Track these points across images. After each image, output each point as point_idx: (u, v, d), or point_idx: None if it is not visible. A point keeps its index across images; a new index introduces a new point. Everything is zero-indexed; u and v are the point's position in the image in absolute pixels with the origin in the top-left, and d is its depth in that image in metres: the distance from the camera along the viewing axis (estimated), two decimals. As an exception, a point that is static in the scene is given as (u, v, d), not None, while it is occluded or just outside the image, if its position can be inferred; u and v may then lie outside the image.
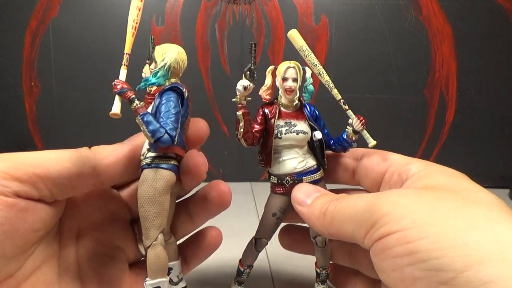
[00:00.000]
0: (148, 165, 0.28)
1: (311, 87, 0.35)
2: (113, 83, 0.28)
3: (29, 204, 0.24)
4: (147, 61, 0.34)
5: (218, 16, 0.83)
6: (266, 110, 0.35)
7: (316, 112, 0.36)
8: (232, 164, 0.88)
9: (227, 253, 0.50)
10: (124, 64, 0.30)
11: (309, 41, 0.84)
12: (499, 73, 0.85)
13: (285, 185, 0.35)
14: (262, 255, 0.49)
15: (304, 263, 0.47)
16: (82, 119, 0.84)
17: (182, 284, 0.33)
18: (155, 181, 0.28)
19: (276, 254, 0.50)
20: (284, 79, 0.34)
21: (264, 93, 0.35)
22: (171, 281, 0.32)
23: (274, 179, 0.36)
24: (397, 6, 0.83)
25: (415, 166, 0.30)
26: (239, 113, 0.33)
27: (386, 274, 0.23)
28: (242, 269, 0.38)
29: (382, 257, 0.23)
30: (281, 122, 0.34)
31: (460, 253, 0.19)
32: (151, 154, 0.29)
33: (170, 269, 0.31)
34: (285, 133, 0.34)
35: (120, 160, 0.29)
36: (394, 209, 0.23)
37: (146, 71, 0.34)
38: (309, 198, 0.30)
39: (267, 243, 0.37)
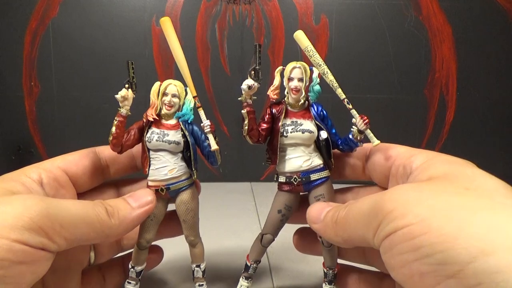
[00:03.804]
0: (191, 185, 0.37)
1: (317, 87, 0.36)
2: (207, 124, 0.35)
3: (41, 253, 0.25)
4: (125, 85, 0.34)
5: (218, 16, 0.83)
6: (274, 110, 0.36)
7: (324, 111, 0.36)
8: (232, 164, 0.88)
9: (227, 253, 0.50)
10: (200, 107, 0.35)
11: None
12: (499, 73, 0.85)
13: (293, 183, 0.36)
14: (262, 255, 0.49)
15: (304, 263, 0.47)
16: (82, 119, 0.84)
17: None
18: (197, 197, 0.38)
19: (276, 254, 0.50)
20: (290, 79, 0.35)
21: (271, 92, 0.36)
22: None
23: (282, 178, 0.36)
24: (397, 6, 0.83)
25: (419, 158, 0.30)
26: (244, 111, 0.35)
27: (395, 271, 0.23)
28: (249, 264, 0.39)
29: (390, 254, 0.23)
30: (287, 121, 0.36)
31: (464, 245, 0.19)
32: (186, 175, 0.36)
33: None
34: (291, 132, 0.35)
35: (127, 223, 0.31)
36: (398, 205, 0.23)
37: (125, 94, 0.33)
38: (321, 214, 0.31)
39: (273, 240, 0.38)
